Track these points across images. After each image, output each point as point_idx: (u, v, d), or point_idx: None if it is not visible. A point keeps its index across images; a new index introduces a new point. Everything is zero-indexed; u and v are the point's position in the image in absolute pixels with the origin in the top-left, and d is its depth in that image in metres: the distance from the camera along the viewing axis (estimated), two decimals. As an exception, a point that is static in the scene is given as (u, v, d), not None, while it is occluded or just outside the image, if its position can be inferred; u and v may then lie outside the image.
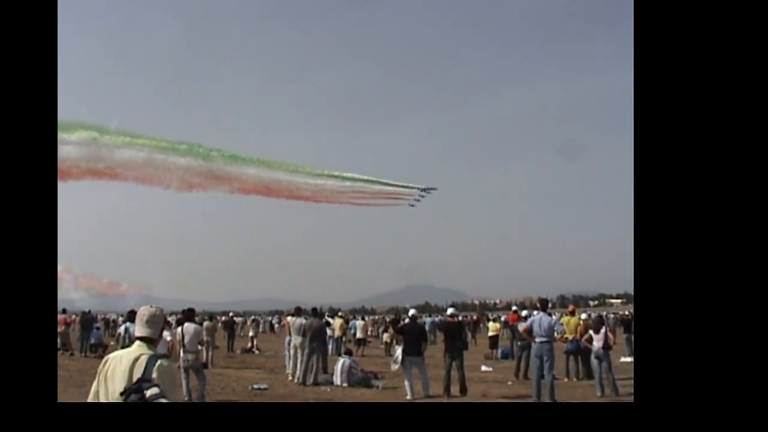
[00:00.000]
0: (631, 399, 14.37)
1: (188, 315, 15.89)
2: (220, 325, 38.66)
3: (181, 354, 14.80)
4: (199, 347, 16.31)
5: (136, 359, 4.55)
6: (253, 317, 63.31)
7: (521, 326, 18.48)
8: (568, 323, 20.03)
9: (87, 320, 31.07)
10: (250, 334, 38.26)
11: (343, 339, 30.41)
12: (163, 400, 4.38)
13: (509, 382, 19.77)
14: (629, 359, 26.98)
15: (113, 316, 61.93)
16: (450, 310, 18.74)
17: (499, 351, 29.91)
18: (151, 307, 4.90)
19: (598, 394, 16.13)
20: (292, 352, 20.20)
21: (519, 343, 21.75)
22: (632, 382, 19.02)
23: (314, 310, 22.26)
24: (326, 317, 28.54)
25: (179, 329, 15.25)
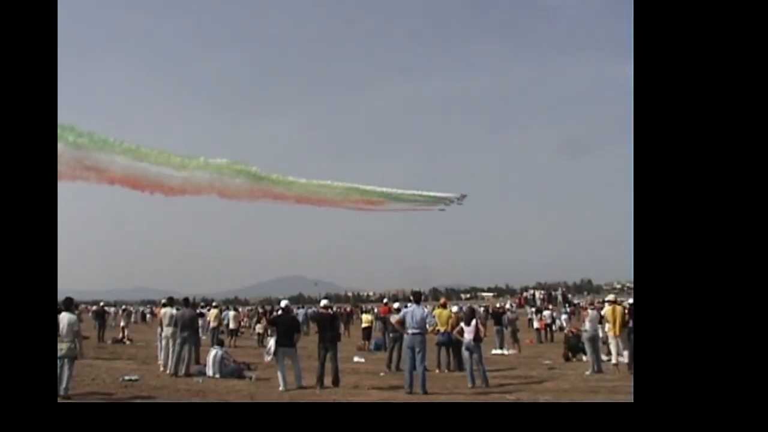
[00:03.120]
0: (500, 390, 14.66)
1: (66, 304, 15.56)
2: (90, 315, 37.68)
3: (58, 344, 14.49)
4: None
5: None
6: (124, 307, 61.80)
7: (394, 318, 18.72)
8: (440, 315, 20.26)
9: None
10: (122, 324, 37.35)
11: (219, 329, 30.16)
12: None
13: (381, 373, 19.97)
14: (500, 351, 27.60)
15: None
16: (323, 302, 18.82)
17: (372, 342, 30.20)
18: None
19: (469, 385, 16.39)
20: (163, 342, 19.93)
21: (391, 334, 21.99)
22: (503, 374, 19.50)
23: (186, 300, 21.99)
24: (200, 308, 28.15)
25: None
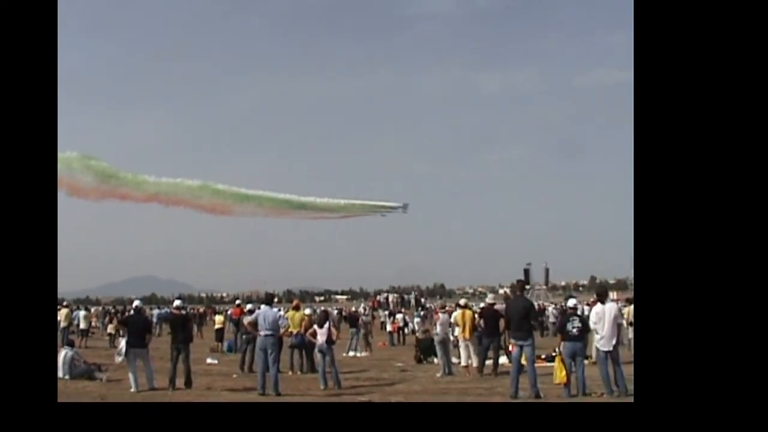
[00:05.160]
0: (352, 392, 14.82)
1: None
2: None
3: None
4: None
5: None
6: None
7: (246, 320, 18.81)
8: (293, 317, 20.33)
9: None
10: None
11: (69, 329, 29.47)
12: None
13: (234, 375, 20.09)
14: (352, 353, 27.86)
15: None
16: (176, 303, 18.66)
17: (225, 344, 30.03)
18: None
19: (322, 387, 16.58)
20: (11, 343, 19.31)
21: (244, 336, 22.01)
22: (355, 376, 19.70)
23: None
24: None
25: None
